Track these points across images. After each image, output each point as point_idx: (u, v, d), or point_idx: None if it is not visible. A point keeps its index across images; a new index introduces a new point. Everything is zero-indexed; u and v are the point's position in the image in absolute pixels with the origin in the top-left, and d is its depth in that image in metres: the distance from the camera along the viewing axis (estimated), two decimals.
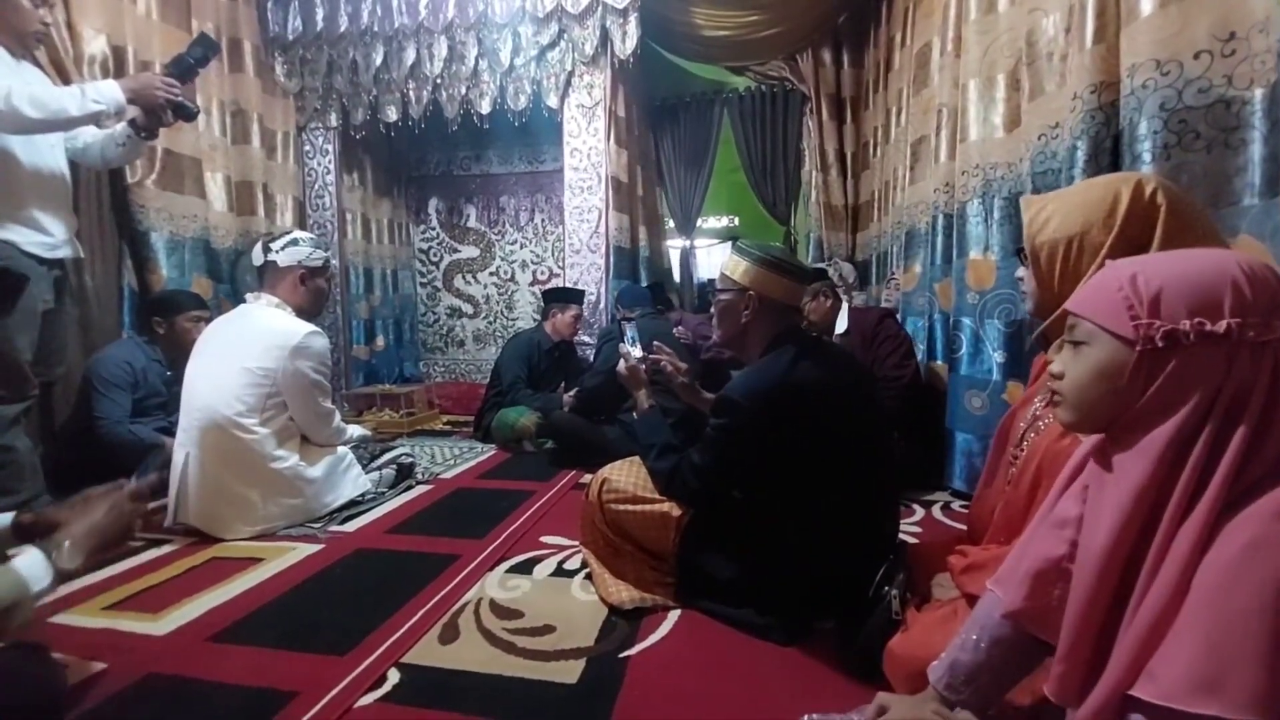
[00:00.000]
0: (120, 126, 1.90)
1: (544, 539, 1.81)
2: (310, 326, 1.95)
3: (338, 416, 2.10)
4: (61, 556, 0.94)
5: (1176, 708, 0.52)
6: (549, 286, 4.16)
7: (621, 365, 1.59)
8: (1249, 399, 0.57)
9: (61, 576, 0.94)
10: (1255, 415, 0.57)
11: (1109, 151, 1.49)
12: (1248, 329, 0.57)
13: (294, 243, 1.99)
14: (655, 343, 1.65)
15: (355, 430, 2.27)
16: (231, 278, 3.03)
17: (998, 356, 1.95)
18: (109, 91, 1.75)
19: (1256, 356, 0.58)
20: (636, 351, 1.59)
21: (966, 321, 2.05)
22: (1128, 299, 0.61)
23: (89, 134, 1.93)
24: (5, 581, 0.89)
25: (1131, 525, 0.60)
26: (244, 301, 2.05)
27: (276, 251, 1.97)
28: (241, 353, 1.87)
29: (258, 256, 2.00)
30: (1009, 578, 0.77)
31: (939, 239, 2.23)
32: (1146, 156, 1.36)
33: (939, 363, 2.35)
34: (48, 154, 1.85)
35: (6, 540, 1.07)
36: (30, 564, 0.91)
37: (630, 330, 1.68)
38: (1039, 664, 0.77)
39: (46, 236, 1.83)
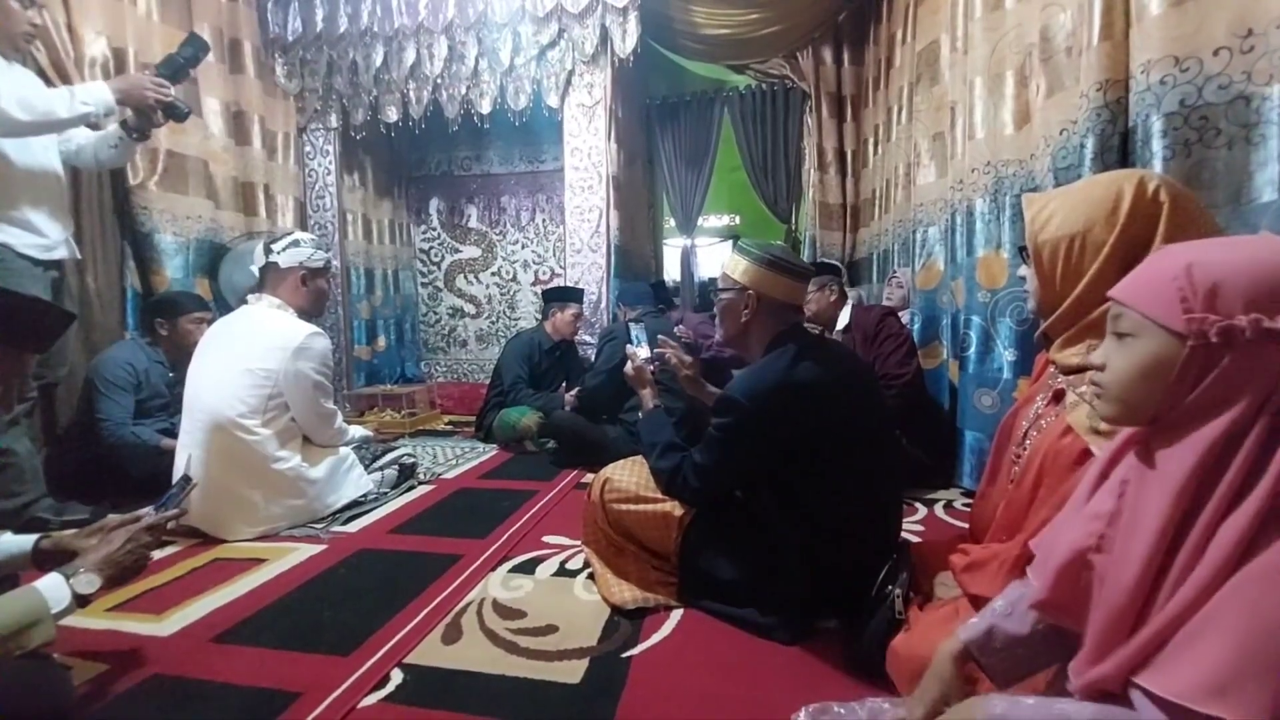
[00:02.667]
0: (112, 128, 1.90)
1: (546, 539, 1.81)
2: (311, 327, 1.96)
3: (339, 417, 2.10)
4: (79, 583, 0.99)
5: (1186, 705, 0.52)
6: (549, 286, 4.16)
7: (628, 366, 1.59)
8: None
9: (79, 601, 0.98)
10: None
11: (1116, 149, 1.49)
12: None
13: (295, 244, 1.99)
14: (660, 336, 1.65)
15: (357, 431, 2.27)
16: (212, 274, 3.01)
17: (1009, 355, 1.94)
18: (98, 93, 1.75)
19: None
20: (643, 352, 1.59)
21: (976, 320, 2.05)
22: (1181, 290, 0.58)
23: (82, 136, 1.93)
24: (29, 601, 0.93)
25: (1171, 526, 0.59)
26: (227, 300, 2.05)
27: (278, 253, 1.97)
28: (243, 354, 1.87)
29: (259, 258, 2.00)
30: (1039, 568, 0.75)
31: (957, 236, 2.23)
32: (1166, 153, 1.36)
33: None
34: (41, 156, 1.85)
35: (26, 563, 1.11)
36: (51, 586, 0.96)
37: (637, 331, 1.68)
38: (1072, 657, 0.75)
39: (41, 238, 1.83)
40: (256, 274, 2.02)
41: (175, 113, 1.87)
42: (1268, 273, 0.56)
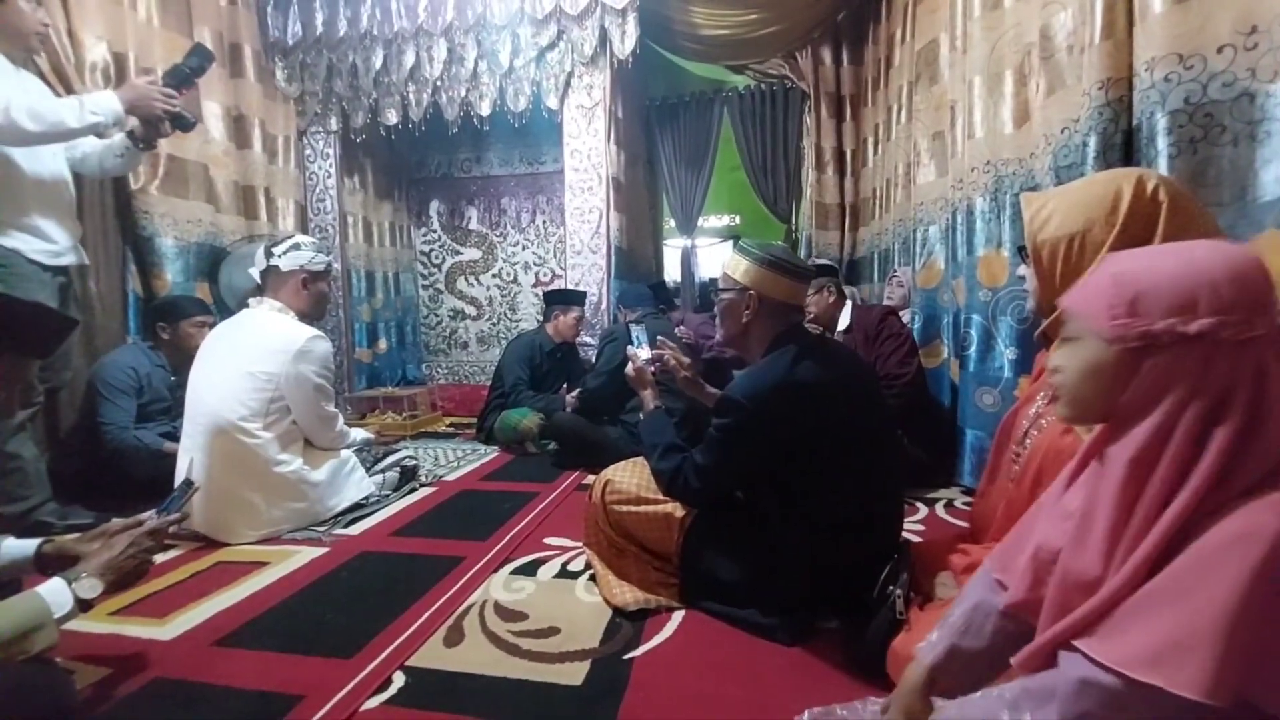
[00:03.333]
0: (119, 137, 1.91)
1: (548, 540, 1.81)
2: (312, 330, 1.96)
3: (340, 420, 2.11)
4: (81, 588, 0.99)
5: (1125, 673, 0.56)
6: (551, 288, 4.16)
7: (629, 367, 1.59)
8: (1233, 398, 0.58)
9: (81, 605, 0.99)
10: (1240, 415, 0.57)
11: (1119, 147, 1.49)
12: (1224, 329, 0.57)
13: (296, 247, 2.00)
14: (660, 337, 1.65)
15: (358, 433, 2.27)
16: (212, 278, 3.02)
17: (1010, 353, 1.94)
18: (107, 103, 1.75)
19: (1237, 356, 0.58)
20: (644, 353, 1.59)
21: (977, 319, 2.05)
22: (1110, 298, 0.63)
23: (88, 143, 1.94)
24: (32, 605, 0.94)
25: (1120, 520, 0.62)
26: (228, 303, 2.06)
27: (279, 256, 1.97)
28: (245, 357, 1.87)
29: (260, 261, 2.01)
30: (1011, 568, 0.77)
31: (958, 235, 2.23)
32: (1171, 150, 1.35)
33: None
34: (50, 162, 1.86)
35: (29, 568, 1.11)
36: (54, 591, 0.97)
37: (637, 332, 1.68)
38: None
39: (50, 244, 1.84)
40: (257, 277, 2.03)
41: (182, 123, 1.89)
42: (1187, 280, 0.60)
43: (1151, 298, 0.61)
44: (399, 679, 1.14)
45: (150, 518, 1.16)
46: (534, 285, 4.67)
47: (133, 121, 1.85)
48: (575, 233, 3.61)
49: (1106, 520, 0.63)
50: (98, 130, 1.78)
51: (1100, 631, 0.60)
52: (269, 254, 1.99)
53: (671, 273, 5.42)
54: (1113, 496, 0.62)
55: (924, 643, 0.84)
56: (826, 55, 3.84)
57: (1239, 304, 0.58)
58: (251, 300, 2.02)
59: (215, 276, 2.99)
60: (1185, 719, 0.54)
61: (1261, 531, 0.54)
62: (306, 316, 2.01)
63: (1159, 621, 0.56)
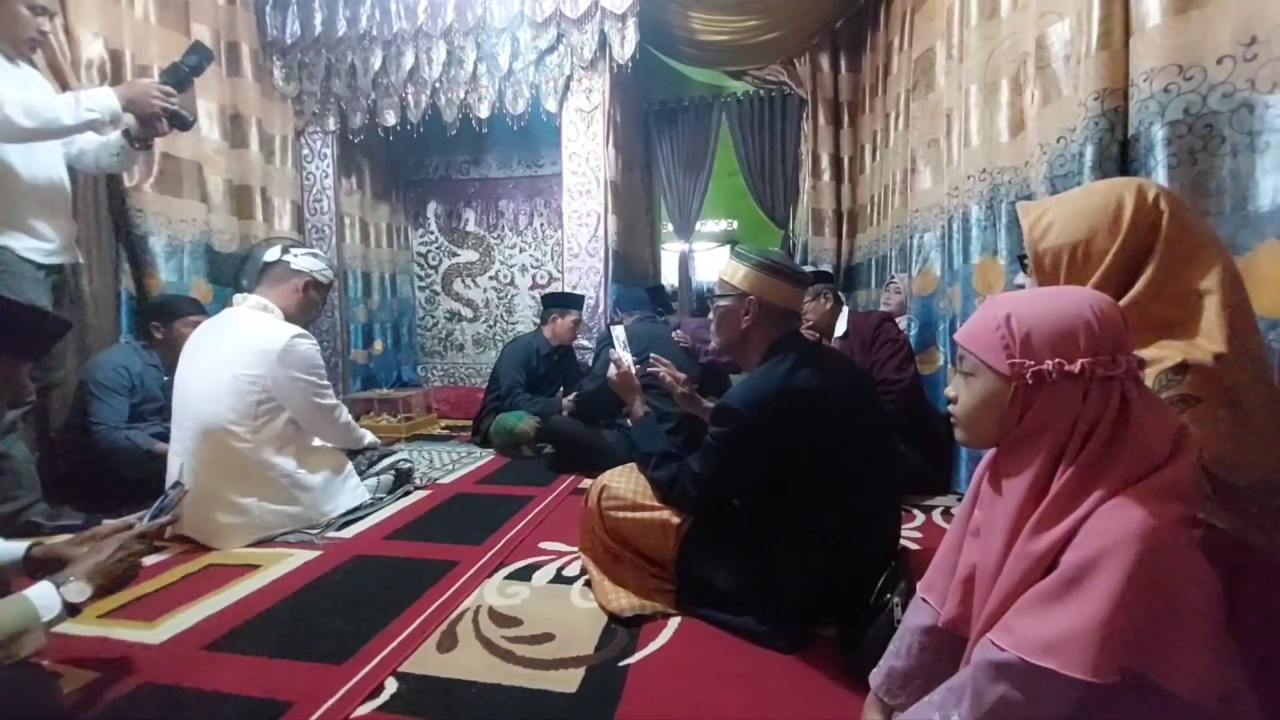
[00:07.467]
0: (115, 135, 1.89)
1: (543, 545, 1.80)
2: (294, 329, 1.92)
3: (344, 411, 2.08)
4: (69, 592, 0.98)
5: (1025, 658, 0.65)
6: (548, 291, 4.16)
7: (612, 371, 1.56)
8: (1103, 422, 0.68)
9: (69, 609, 0.97)
10: (1106, 433, 0.68)
11: (1115, 158, 1.49)
12: (1097, 367, 0.68)
13: (314, 256, 2.03)
14: (652, 355, 1.62)
15: (367, 433, 2.25)
16: (235, 281, 3.01)
17: None
18: (104, 100, 1.74)
19: (1106, 390, 0.68)
20: (628, 357, 1.56)
21: None
22: (1004, 338, 0.71)
23: (85, 140, 1.92)
24: (20, 609, 0.92)
25: (1015, 533, 0.71)
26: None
27: (295, 255, 1.98)
28: (229, 360, 1.84)
29: (272, 254, 1.99)
30: (936, 589, 0.86)
31: (954, 242, 2.23)
32: (1171, 161, 1.35)
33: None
34: (46, 160, 1.84)
35: (18, 570, 1.10)
36: (42, 594, 0.96)
37: (619, 334, 1.64)
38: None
39: (44, 242, 1.82)
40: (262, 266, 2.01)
41: (180, 121, 1.87)
42: (1066, 322, 0.70)
43: (1040, 337, 0.70)
44: (391, 685, 1.12)
45: (140, 520, 1.15)
46: (531, 288, 4.66)
47: (129, 120, 1.84)
48: (573, 236, 3.61)
49: (1004, 537, 0.71)
50: (95, 127, 1.76)
51: (1003, 622, 0.69)
52: (286, 250, 1.99)
53: (669, 277, 5.43)
54: (1012, 515, 0.71)
55: (875, 670, 0.92)
56: (825, 62, 3.86)
57: (1106, 343, 0.68)
58: (235, 297, 2.00)
59: (237, 276, 2.99)
60: (1078, 692, 0.63)
61: (1135, 531, 0.62)
62: (292, 318, 1.98)
63: (1052, 614, 0.64)
